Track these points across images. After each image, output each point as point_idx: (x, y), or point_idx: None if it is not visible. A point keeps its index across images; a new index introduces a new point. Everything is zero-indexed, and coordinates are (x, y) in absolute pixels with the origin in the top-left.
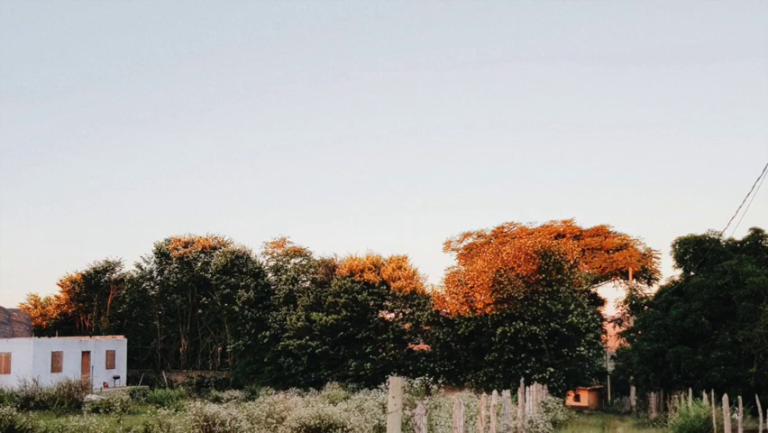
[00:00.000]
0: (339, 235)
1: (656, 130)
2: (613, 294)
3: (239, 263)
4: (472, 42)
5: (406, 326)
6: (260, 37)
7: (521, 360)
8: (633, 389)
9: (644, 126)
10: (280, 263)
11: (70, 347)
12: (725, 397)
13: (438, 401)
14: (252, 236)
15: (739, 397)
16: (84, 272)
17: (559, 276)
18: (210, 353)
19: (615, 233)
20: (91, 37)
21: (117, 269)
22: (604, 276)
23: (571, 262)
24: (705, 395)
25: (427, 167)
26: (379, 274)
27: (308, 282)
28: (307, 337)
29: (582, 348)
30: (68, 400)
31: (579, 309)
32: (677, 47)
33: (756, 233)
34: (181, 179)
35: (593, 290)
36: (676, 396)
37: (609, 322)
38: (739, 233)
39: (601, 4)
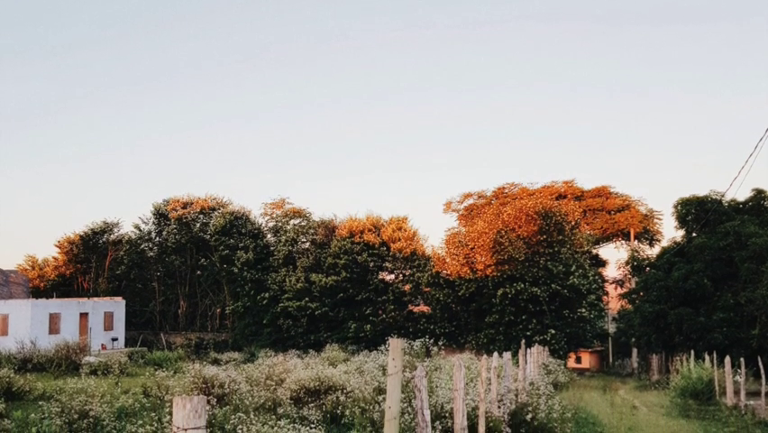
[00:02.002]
0: (339, 196)
1: (658, 90)
2: (614, 255)
3: (238, 224)
4: (473, 2)
5: (407, 287)
6: None
7: (522, 322)
8: (634, 351)
9: (646, 86)
10: (280, 224)
11: (68, 309)
12: (727, 359)
13: (438, 363)
14: (252, 197)
15: (741, 359)
16: (82, 234)
17: (560, 237)
18: (209, 314)
19: (616, 193)
20: None
21: (115, 230)
22: (605, 237)
23: (573, 223)
24: (707, 357)
25: (428, 127)
26: (379, 235)
27: (308, 243)
28: (307, 299)
29: (584, 310)
30: (66, 363)
31: (580, 271)
32: (679, 6)
33: (759, 194)
34: (180, 140)
35: (594, 251)
36: (678, 358)
37: (611, 283)
38: (741, 193)
39: None
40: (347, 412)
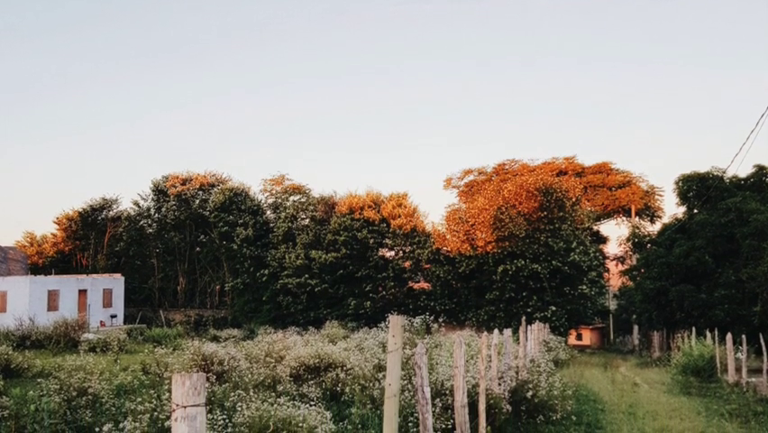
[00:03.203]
0: (339, 173)
1: (660, 66)
2: (615, 232)
3: (237, 201)
4: None
5: (407, 264)
6: None
7: (522, 298)
8: (635, 328)
9: (648, 62)
10: (279, 201)
11: (67, 286)
12: (728, 336)
13: (439, 340)
14: (251, 173)
15: (743, 336)
16: (81, 210)
17: (561, 214)
18: (208, 291)
19: (617, 170)
20: None
21: (114, 206)
22: (606, 214)
23: (573, 200)
24: (708, 334)
25: (428, 103)
26: (379, 212)
27: (307, 220)
28: (306, 276)
29: (584, 287)
30: (65, 340)
31: (581, 247)
32: None
33: (760, 170)
34: (179, 116)
35: (595, 227)
36: (679, 335)
37: (612, 260)
38: (743, 170)
39: None
40: (347, 390)
